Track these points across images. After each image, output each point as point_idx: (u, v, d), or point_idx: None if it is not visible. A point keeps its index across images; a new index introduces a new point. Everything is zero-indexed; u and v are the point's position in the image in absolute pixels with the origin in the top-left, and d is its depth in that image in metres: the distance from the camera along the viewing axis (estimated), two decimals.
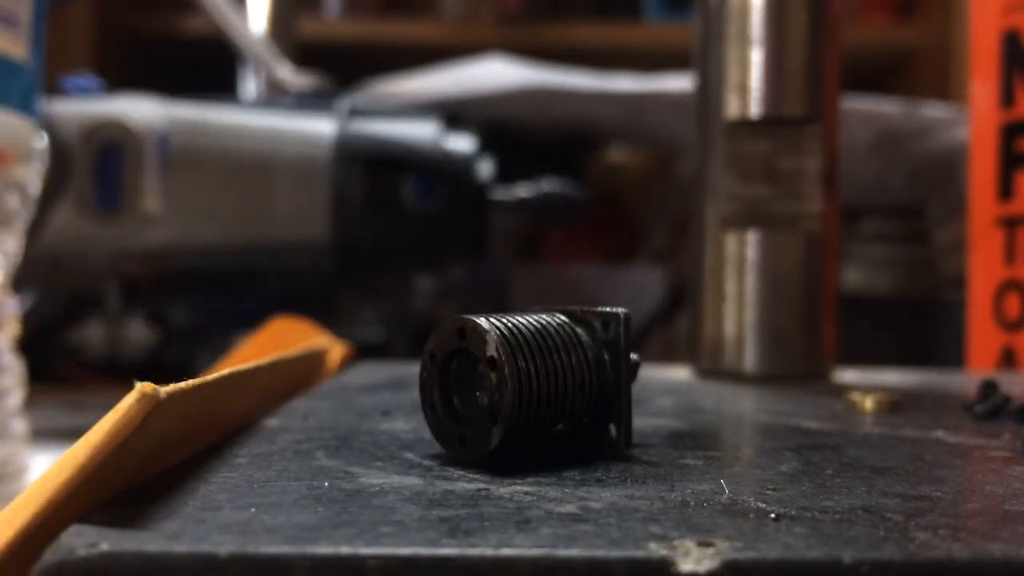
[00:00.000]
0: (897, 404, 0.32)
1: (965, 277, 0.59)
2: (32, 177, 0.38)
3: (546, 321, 0.23)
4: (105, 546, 0.15)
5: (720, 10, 0.43)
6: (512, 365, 0.21)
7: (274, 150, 0.65)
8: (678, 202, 0.96)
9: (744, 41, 0.42)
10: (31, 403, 0.38)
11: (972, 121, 0.60)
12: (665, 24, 1.21)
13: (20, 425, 0.37)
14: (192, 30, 1.15)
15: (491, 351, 0.22)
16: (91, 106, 0.64)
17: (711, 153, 0.43)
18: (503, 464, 0.22)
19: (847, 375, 0.44)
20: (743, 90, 0.42)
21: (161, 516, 0.17)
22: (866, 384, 0.40)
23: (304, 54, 0.92)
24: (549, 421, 0.23)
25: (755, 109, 0.42)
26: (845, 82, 0.44)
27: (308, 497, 0.18)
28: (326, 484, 0.20)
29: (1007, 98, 0.57)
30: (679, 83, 0.78)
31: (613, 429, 0.24)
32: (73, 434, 0.18)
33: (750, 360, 0.42)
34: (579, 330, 0.24)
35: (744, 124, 0.42)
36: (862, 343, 0.62)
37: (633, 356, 0.24)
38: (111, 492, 0.18)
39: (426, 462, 0.22)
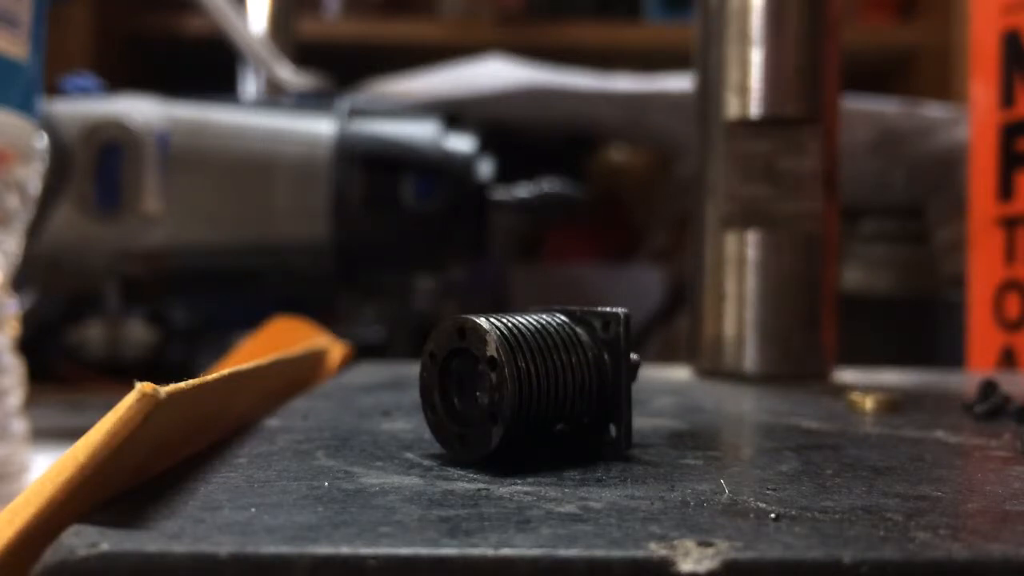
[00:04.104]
0: (897, 404, 0.32)
1: (965, 277, 0.59)
2: (32, 177, 0.38)
3: (546, 321, 0.23)
4: (105, 546, 0.15)
5: (720, 10, 0.43)
6: (512, 365, 0.21)
7: (274, 150, 0.65)
8: (678, 202, 0.96)
9: (744, 41, 0.42)
10: (31, 403, 0.38)
11: (972, 121, 0.59)
12: (665, 24, 1.21)
13: (20, 425, 0.37)
14: (192, 30, 1.15)
15: (491, 351, 0.22)
16: (91, 106, 0.64)
17: (711, 153, 0.43)
18: (503, 464, 0.22)
19: (847, 375, 0.44)
20: (743, 90, 0.42)
21: (161, 516, 0.17)
22: (866, 384, 0.40)
23: (304, 54, 0.92)
24: (549, 421, 0.23)
25: (755, 109, 0.42)
26: (845, 82, 0.44)
27: (308, 497, 0.18)
28: (326, 484, 0.20)
29: (1007, 98, 0.57)
30: (679, 83, 0.78)
31: (613, 429, 0.24)
32: (73, 434, 0.18)
33: (750, 360, 0.42)
34: (579, 330, 0.24)
35: (744, 124, 0.42)
36: (862, 343, 0.62)
37: (633, 356, 0.24)
38: (111, 492, 0.18)
39: (426, 462, 0.22)
